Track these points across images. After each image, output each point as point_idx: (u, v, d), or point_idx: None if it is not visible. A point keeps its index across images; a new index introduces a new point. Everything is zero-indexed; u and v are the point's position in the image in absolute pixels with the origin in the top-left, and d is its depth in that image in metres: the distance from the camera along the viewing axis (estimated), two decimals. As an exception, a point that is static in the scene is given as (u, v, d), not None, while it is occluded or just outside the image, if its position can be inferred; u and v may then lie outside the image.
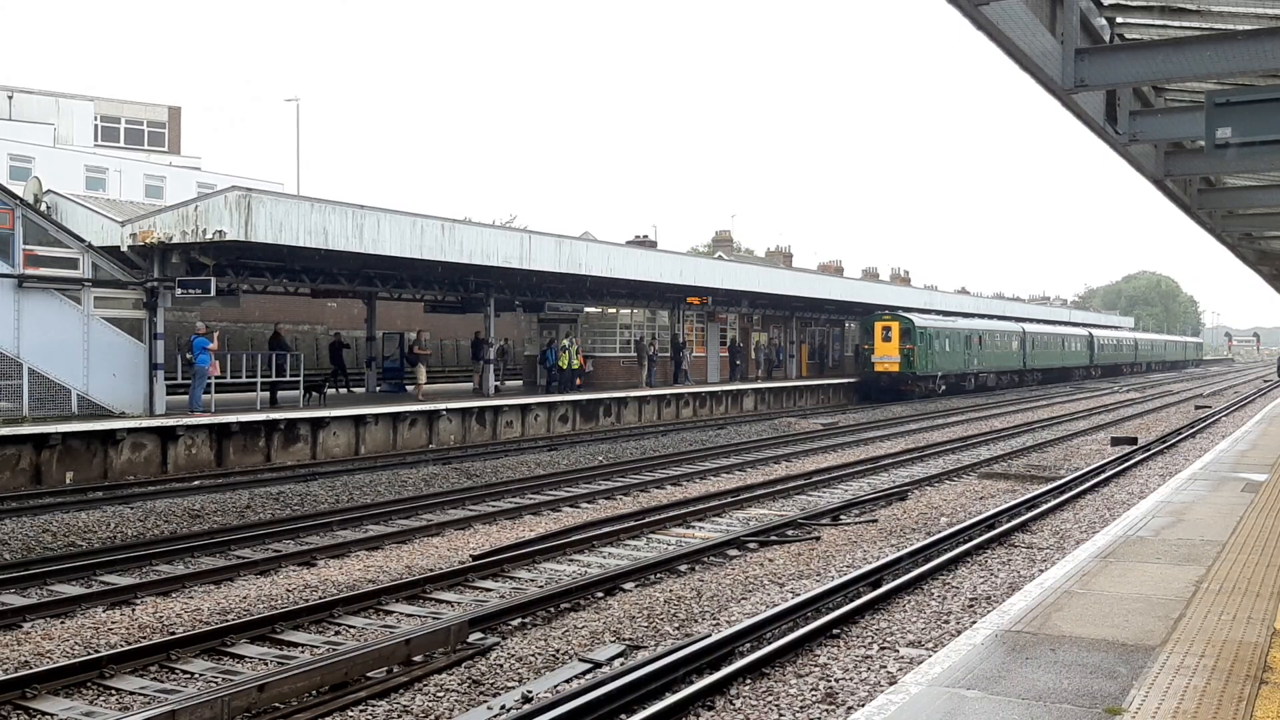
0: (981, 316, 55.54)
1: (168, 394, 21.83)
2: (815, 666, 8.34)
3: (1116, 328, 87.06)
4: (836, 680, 7.96)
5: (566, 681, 8.17)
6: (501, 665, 8.61)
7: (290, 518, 15.61)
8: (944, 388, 47.33)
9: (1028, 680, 5.95)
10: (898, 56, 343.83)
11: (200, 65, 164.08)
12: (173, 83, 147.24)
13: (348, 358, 31.21)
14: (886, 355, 43.65)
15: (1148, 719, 5.35)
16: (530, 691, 7.89)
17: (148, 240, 20.56)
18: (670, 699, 7.38)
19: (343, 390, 30.11)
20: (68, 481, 18.25)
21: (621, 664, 8.52)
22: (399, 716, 7.55)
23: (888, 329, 43.76)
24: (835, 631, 9.26)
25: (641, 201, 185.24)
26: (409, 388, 29.22)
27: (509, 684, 8.16)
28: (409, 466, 21.36)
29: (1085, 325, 74.92)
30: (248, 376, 23.72)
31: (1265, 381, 65.87)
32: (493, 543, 13.68)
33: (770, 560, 12.63)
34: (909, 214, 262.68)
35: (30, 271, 19.56)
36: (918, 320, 44.28)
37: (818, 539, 13.89)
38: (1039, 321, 64.68)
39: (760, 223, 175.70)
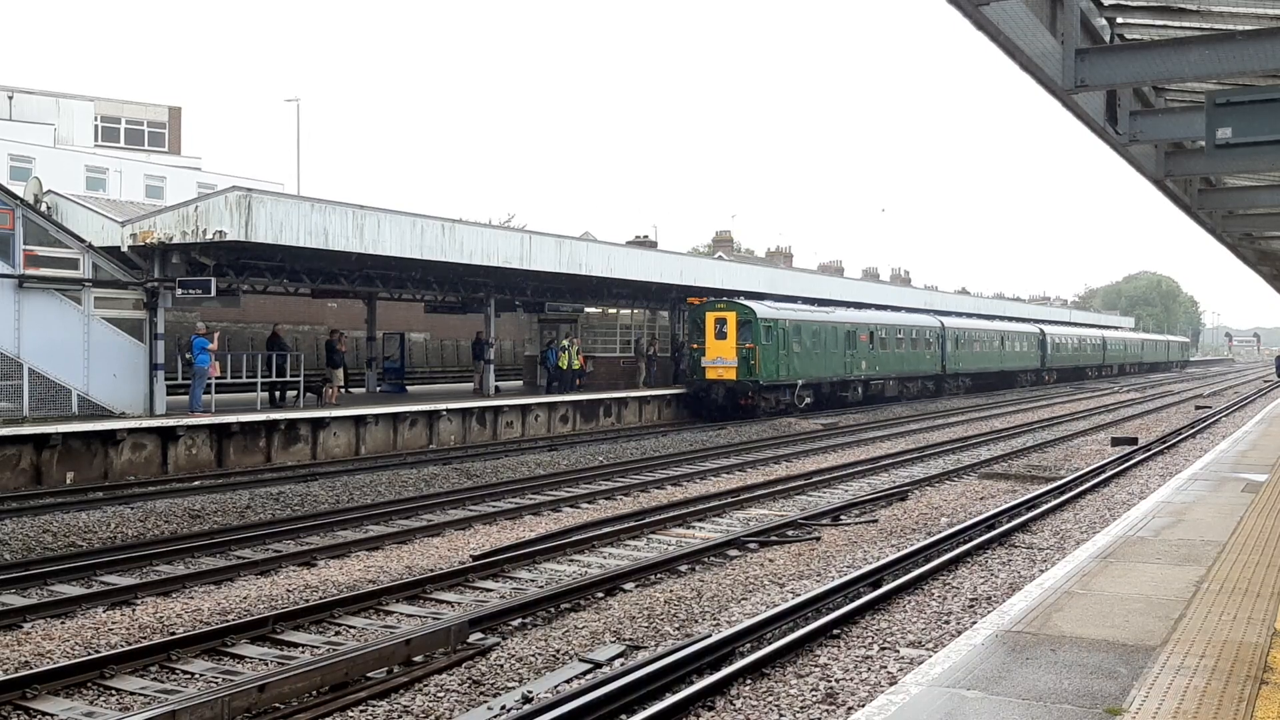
0: (879, 308, 44.40)
1: (168, 394, 21.82)
2: (815, 667, 8.34)
3: (1080, 324, 74.62)
4: (837, 680, 7.96)
5: (567, 682, 8.17)
6: (502, 665, 8.61)
7: (290, 518, 15.61)
8: (808, 400, 35.70)
9: (1028, 680, 5.95)
10: (898, 57, 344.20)
11: (200, 65, 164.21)
12: (173, 83, 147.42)
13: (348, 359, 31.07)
14: (720, 358, 32.86)
15: (1148, 719, 5.35)
16: (530, 692, 7.89)
17: (148, 240, 20.56)
18: (670, 699, 7.38)
19: (341, 390, 30.02)
20: (68, 482, 18.25)
21: (622, 664, 8.52)
22: (399, 716, 7.56)
23: (721, 322, 32.95)
24: (835, 632, 9.26)
25: (641, 201, 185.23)
26: (325, 392, 25.40)
27: (509, 684, 8.16)
28: (409, 467, 21.35)
29: (1036, 321, 63.31)
30: (248, 377, 23.72)
31: (1265, 382, 65.83)
32: (493, 543, 13.68)
33: (770, 560, 12.63)
34: (909, 214, 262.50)
35: (31, 272, 19.54)
36: (760, 310, 33.28)
37: (818, 539, 13.89)
38: (968, 315, 53.46)
39: (760, 223, 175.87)
